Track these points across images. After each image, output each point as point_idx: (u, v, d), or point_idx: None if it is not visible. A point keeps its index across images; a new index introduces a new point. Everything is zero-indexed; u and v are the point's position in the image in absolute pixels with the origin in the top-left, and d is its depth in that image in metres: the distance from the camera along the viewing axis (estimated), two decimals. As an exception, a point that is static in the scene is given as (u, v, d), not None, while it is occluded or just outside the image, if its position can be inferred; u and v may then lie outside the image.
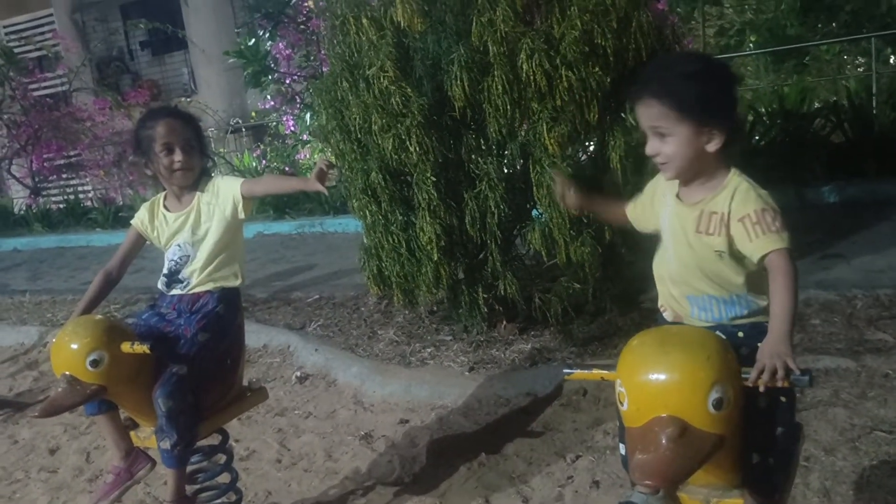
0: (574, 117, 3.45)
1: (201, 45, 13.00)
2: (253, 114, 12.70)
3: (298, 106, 9.46)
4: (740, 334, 1.66)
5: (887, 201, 5.92)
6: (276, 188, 2.83)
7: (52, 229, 11.23)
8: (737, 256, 1.66)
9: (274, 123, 10.93)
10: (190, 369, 2.35)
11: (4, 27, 15.20)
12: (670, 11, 7.63)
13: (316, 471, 3.21)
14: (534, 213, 3.79)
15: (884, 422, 2.80)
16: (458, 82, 3.47)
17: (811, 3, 9.67)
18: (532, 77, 3.39)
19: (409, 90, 3.57)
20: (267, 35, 9.04)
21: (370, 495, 2.98)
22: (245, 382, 2.71)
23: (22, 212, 12.40)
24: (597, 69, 3.40)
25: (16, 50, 12.91)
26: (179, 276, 2.51)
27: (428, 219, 3.63)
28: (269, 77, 9.26)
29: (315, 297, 5.49)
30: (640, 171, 3.47)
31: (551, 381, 3.48)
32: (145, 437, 2.48)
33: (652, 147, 1.71)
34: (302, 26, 8.73)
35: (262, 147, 11.13)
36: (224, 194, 2.50)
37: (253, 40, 9.27)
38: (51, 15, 14.80)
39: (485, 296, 3.88)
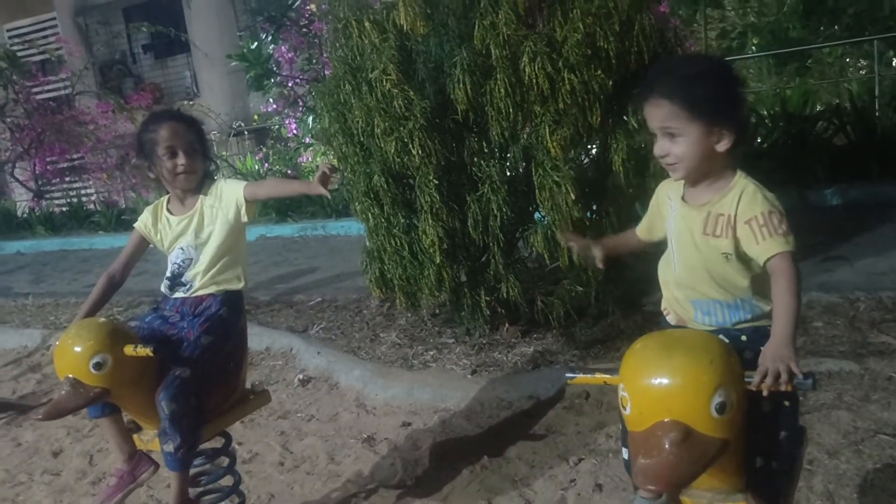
0: (576, 120, 3.45)
1: (204, 48, 13.03)
2: (255, 117, 12.72)
3: (301, 109, 9.48)
4: (744, 338, 1.66)
5: (890, 204, 5.92)
6: (278, 191, 2.83)
7: (55, 232, 11.25)
8: (743, 259, 1.66)
9: (276, 127, 10.95)
10: (193, 372, 2.35)
11: (7, 30, 15.24)
12: (672, 14, 7.64)
13: (318, 473, 3.21)
14: (536, 215, 3.80)
15: (887, 425, 2.80)
16: (461, 85, 3.47)
17: (813, 5, 9.67)
18: (534, 80, 3.39)
19: (411, 93, 3.58)
20: (269, 38, 9.06)
21: (372, 498, 2.97)
22: (248, 385, 2.71)
23: (25, 215, 12.42)
24: (599, 72, 3.41)
25: (19, 53, 12.96)
26: (182, 280, 2.52)
27: (430, 222, 3.63)
28: (272, 80, 9.28)
29: (317, 299, 5.49)
30: (642, 173, 3.48)
31: (554, 383, 3.48)
32: (148, 439, 2.49)
33: (661, 147, 1.70)
34: (304, 29, 8.75)
35: (264, 150, 11.15)
36: (227, 197, 2.50)
37: (255, 43, 9.30)
38: (54, 18, 14.85)
39: (487, 298, 3.88)
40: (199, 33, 13.23)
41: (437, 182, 3.61)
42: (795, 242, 1.60)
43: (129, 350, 2.24)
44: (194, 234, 2.51)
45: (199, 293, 2.49)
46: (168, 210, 2.58)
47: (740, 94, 1.70)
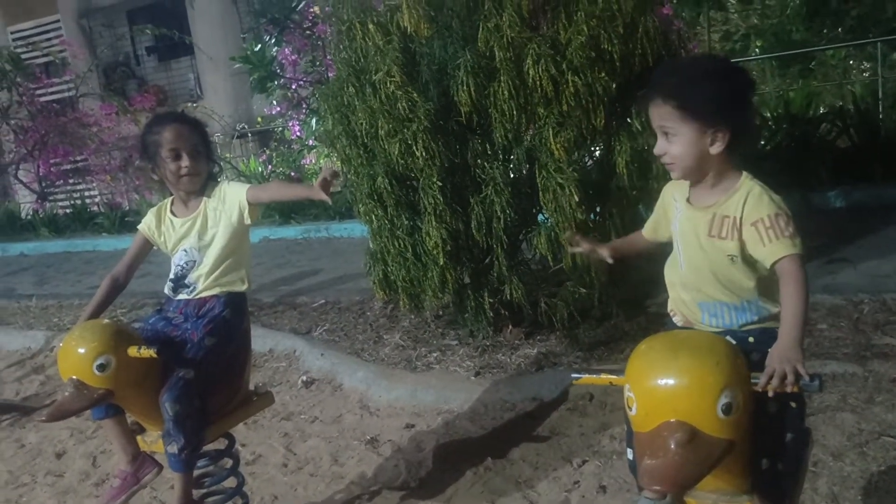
0: (580, 122, 3.46)
1: (207, 50, 13.05)
2: (259, 119, 12.73)
3: (304, 111, 9.48)
4: (751, 339, 1.66)
5: (893, 206, 5.91)
6: (281, 195, 2.83)
7: (58, 234, 11.27)
8: (749, 261, 1.66)
9: (280, 129, 10.95)
10: (197, 374, 2.35)
11: (11, 33, 15.28)
12: (675, 16, 7.64)
13: (322, 475, 3.21)
14: (540, 217, 3.80)
15: (892, 427, 2.79)
16: (465, 87, 3.47)
17: (817, 8, 9.67)
18: (538, 82, 3.39)
19: (415, 95, 3.58)
20: (273, 40, 9.06)
21: (376, 500, 2.97)
22: (251, 387, 2.71)
23: (29, 216, 12.44)
24: (603, 74, 3.41)
25: (23, 56, 12.98)
26: (186, 281, 2.52)
27: (434, 223, 3.63)
28: (275, 82, 9.27)
29: (321, 301, 5.50)
30: (645, 175, 3.48)
31: (557, 385, 3.47)
32: (152, 441, 2.49)
33: (659, 147, 1.73)
34: (308, 32, 8.75)
35: (267, 152, 11.15)
36: (230, 200, 2.50)
37: (259, 46, 9.29)
38: (58, 21, 14.88)
39: (491, 300, 3.88)
40: (202, 36, 13.25)
41: (440, 184, 3.61)
42: (803, 245, 1.60)
43: (132, 351, 2.24)
44: (198, 237, 2.51)
45: (203, 295, 2.49)
46: (171, 212, 2.58)
47: (742, 97, 1.69)
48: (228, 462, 2.66)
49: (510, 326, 4.13)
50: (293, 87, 9.35)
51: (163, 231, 2.58)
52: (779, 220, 1.61)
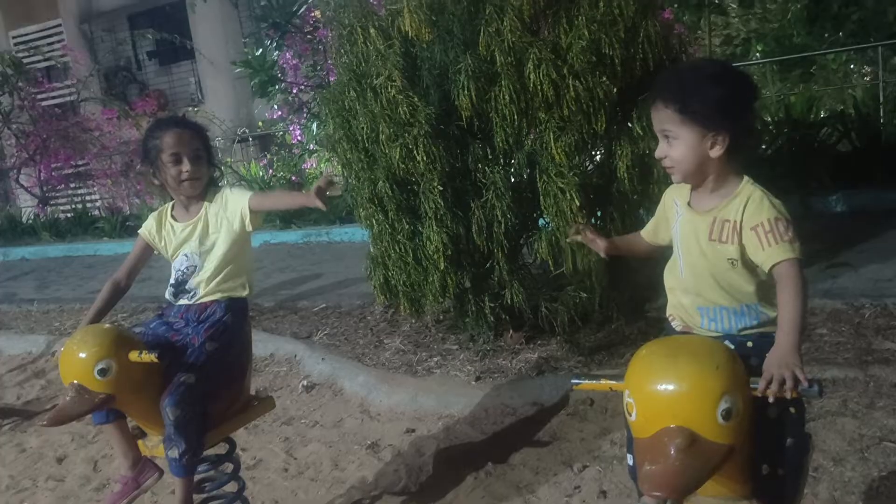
0: (581, 127, 3.46)
1: (208, 55, 13.07)
2: (260, 123, 12.75)
3: (305, 115, 9.49)
4: (749, 344, 1.66)
5: (895, 210, 5.91)
6: (282, 204, 2.84)
7: (59, 238, 11.28)
8: (749, 265, 1.66)
9: (281, 133, 10.97)
10: (198, 378, 2.34)
11: (13, 37, 15.31)
12: (676, 21, 7.65)
13: (322, 480, 3.20)
14: (540, 222, 3.80)
15: (893, 432, 2.79)
16: (466, 92, 3.48)
17: (818, 12, 9.67)
18: (539, 87, 3.40)
19: (416, 99, 3.58)
20: (274, 45, 9.07)
21: (377, 505, 2.97)
22: (252, 391, 2.71)
23: (30, 221, 12.46)
24: (604, 79, 3.41)
25: (24, 60, 13.01)
26: (187, 287, 2.52)
27: (434, 228, 3.63)
28: (276, 87, 9.28)
29: (321, 306, 5.50)
30: (646, 180, 3.48)
31: (558, 390, 3.47)
32: (153, 445, 2.48)
33: (660, 150, 1.75)
34: (309, 36, 8.76)
35: (268, 157, 11.17)
36: (232, 207, 2.50)
37: (260, 50, 9.31)
38: (59, 25, 14.92)
39: (491, 305, 3.88)
40: (203, 40, 13.28)
41: (441, 188, 3.61)
42: (801, 249, 1.60)
43: (133, 356, 2.24)
44: (198, 241, 2.51)
45: (204, 300, 2.49)
46: (172, 216, 2.58)
47: (743, 102, 1.69)
48: (229, 467, 2.66)
49: (511, 331, 4.13)
50: (294, 91, 9.37)
51: (163, 236, 2.58)
52: (778, 224, 1.61)
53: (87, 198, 13.60)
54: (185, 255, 2.53)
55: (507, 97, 3.44)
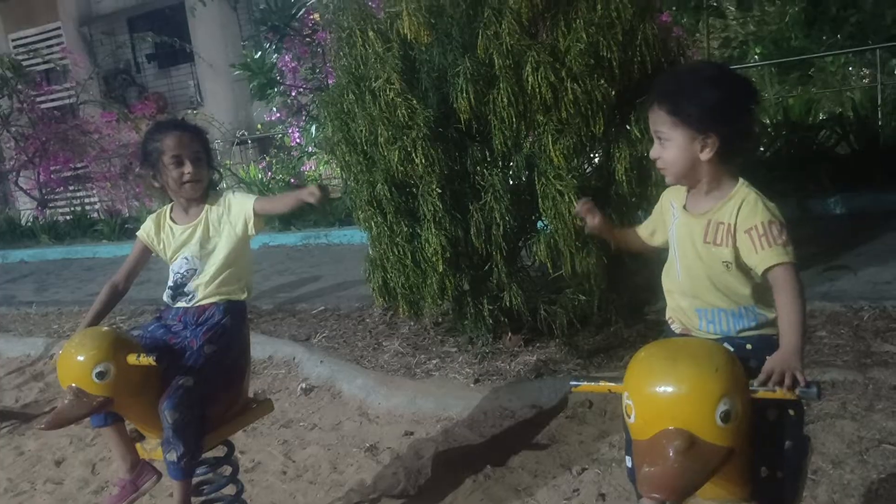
0: (579, 129, 3.46)
1: (207, 57, 13.08)
2: (259, 126, 12.76)
3: (304, 118, 9.50)
4: (748, 346, 1.66)
5: (893, 212, 5.92)
6: (284, 205, 2.84)
7: (58, 241, 11.28)
8: (744, 268, 1.67)
9: (280, 135, 10.98)
10: (196, 381, 2.34)
11: (13, 40, 15.32)
12: (674, 23, 7.66)
13: (321, 483, 3.20)
14: (539, 224, 3.79)
15: (892, 434, 2.79)
16: (464, 94, 3.48)
17: (816, 14, 9.68)
18: (537, 89, 3.40)
19: (414, 102, 3.59)
20: (273, 48, 9.08)
21: (375, 508, 2.97)
22: (250, 394, 2.71)
23: (29, 223, 12.47)
24: (602, 81, 3.41)
25: (24, 63, 13.01)
26: (185, 290, 2.51)
27: (433, 230, 3.63)
28: (275, 89, 9.30)
29: (320, 308, 5.49)
30: (644, 182, 3.49)
31: (557, 392, 3.47)
32: (151, 448, 2.48)
33: (654, 151, 1.76)
34: (308, 39, 8.77)
35: (267, 159, 11.17)
36: (236, 211, 2.50)
37: (259, 53, 9.33)
38: (58, 28, 14.93)
39: (490, 307, 3.88)
40: (202, 43, 13.29)
41: (440, 191, 3.61)
42: (795, 253, 1.60)
43: (132, 359, 2.24)
44: (199, 245, 2.51)
45: (202, 303, 2.49)
46: (171, 219, 2.58)
47: (735, 105, 1.69)
48: (227, 469, 2.65)
49: (509, 333, 4.13)
50: (293, 94, 9.38)
51: (162, 238, 2.58)
52: (772, 227, 1.61)
53: (86, 200, 13.61)
54: (185, 258, 2.53)
55: (505, 100, 3.45)
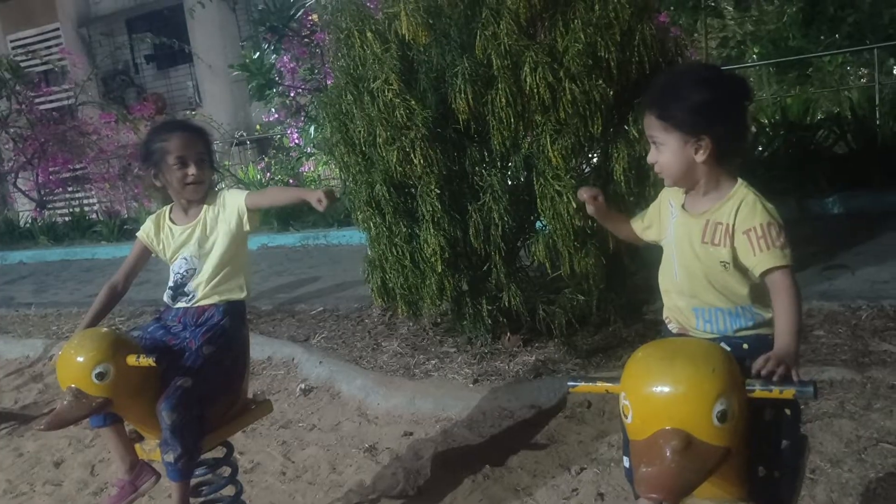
0: (578, 130, 3.47)
1: (206, 58, 13.08)
2: (257, 127, 12.77)
3: (303, 119, 9.50)
4: (745, 346, 1.66)
5: (891, 212, 5.92)
6: (280, 199, 2.83)
7: (57, 242, 11.28)
8: (741, 268, 1.67)
9: (278, 136, 10.99)
10: (195, 382, 2.34)
11: (11, 41, 15.31)
12: (672, 24, 7.67)
13: (320, 483, 3.20)
14: (538, 224, 3.80)
15: (890, 433, 2.79)
16: (462, 95, 3.48)
17: (814, 14, 9.70)
18: (536, 90, 3.40)
19: (413, 103, 3.59)
20: (271, 48, 9.10)
21: (374, 508, 2.97)
22: (249, 395, 2.71)
23: (28, 225, 12.46)
24: (600, 82, 3.42)
25: (22, 64, 13.01)
26: (185, 290, 2.52)
27: (432, 231, 3.64)
28: (274, 90, 9.32)
29: (319, 309, 5.50)
30: (643, 182, 3.49)
31: (555, 393, 3.47)
32: (150, 449, 2.48)
33: (651, 156, 1.77)
34: (306, 40, 8.79)
35: (266, 160, 11.18)
36: (230, 207, 2.51)
37: (257, 54, 9.34)
38: (57, 29, 14.92)
39: (489, 308, 3.88)
40: (201, 44, 13.29)
41: (438, 191, 3.62)
42: (793, 256, 1.61)
43: (131, 360, 2.24)
44: (197, 245, 2.51)
45: (202, 303, 2.49)
46: (171, 220, 2.58)
47: (726, 106, 1.68)
48: (227, 470, 2.66)
49: (508, 334, 4.14)
50: (292, 94, 9.39)
51: (161, 239, 2.58)
52: (770, 229, 1.62)
53: (85, 201, 13.60)
54: (184, 259, 2.53)
55: (503, 100, 3.45)
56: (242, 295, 2.56)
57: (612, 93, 3.46)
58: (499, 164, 3.75)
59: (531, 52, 3.41)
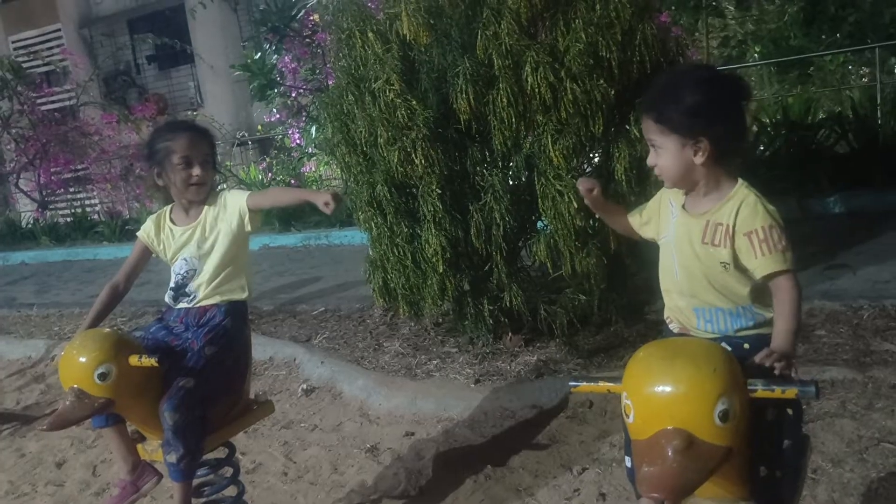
0: (579, 129, 3.47)
1: (208, 59, 13.10)
2: (259, 127, 12.77)
3: (304, 119, 9.51)
4: (746, 346, 1.66)
5: (893, 211, 5.92)
6: (283, 200, 2.83)
7: (59, 243, 11.29)
8: (741, 269, 1.67)
9: (280, 136, 10.99)
10: (197, 382, 2.34)
11: (13, 42, 15.33)
12: (673, 23, 7.67)
13: (322, 484, 3.21)
14: (539, 224, 3.80)
15: (891, 433, 2.79)
16: (464, 95, 3.48)
17: (815, 13, 9.69)
18: (537, 90, 3.41)
19: (414, 103, 3.59)
20: (273, 49, 9.10)
21: (376, 508, 2.97)
22: (251, 395, 2.71)
23: (29, 225, 12.47)
24: (601, 82, 3.42)
25: (24, 65, 13.03)
26: (186, 290, 2.52)
27: (433, 231, 3.64)
28: (275, 90, 9.32)
29: (321, 309, 5.50)
30: (644, 182, 3.49)
31: (557, 393, 3.47)
32: (152, 450, 2.48)
33: (650, 159, 1.77)
34: (308, 40, 8.79)
35: (267, 160, 11.18)
36: (231, 207, 2.50)
37: (259, 54, 9.34)
38: (59, 30, 14.94)
39: (490, 308, 3.88)
40: (203, 44, 13.30)
41: (439, 191, 3.62)
42: (794, 258, 1.61)
43: (133, 360, 2.24)
44: (197, 245, 2.51)
45: (203, 304, 2.49)
46: (171, 220, 2.58)
47: (723, 107, 1.68)
48: (228, 471, 2.66)
49: (510, 334, 4.14)
50: (293, 95, 9.39)
51: (162, 239, 2.58)
52: (772, 232, 1.62)
53: (87, 202, 13.62)
54: (185, 260, 2.53)
55: (504, 100, 3.45)
56: (244, 295, 2.56)
57: (613, 92, 3.46)
58: (500, 163, 3.75)
59: (532, 51, 3.41)
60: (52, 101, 13.62)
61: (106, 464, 3.62)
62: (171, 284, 2.55)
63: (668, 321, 1.84)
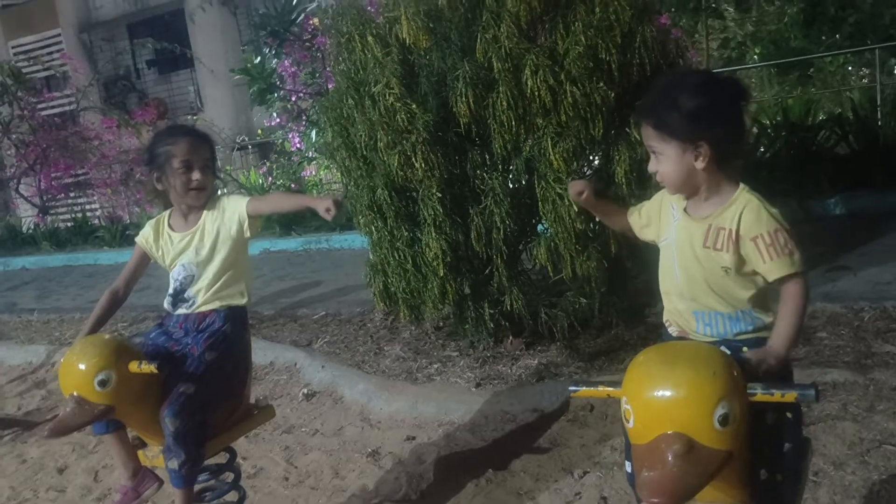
0: (579, 132, 3.47)
1: (207, 63, 13.12)
2: (259, 131, 12.78)
3: (304, 123, 9.52)
4: (745, 349, 1.66)
5: (893, 213, 5.92)
6: (283, 206, 2.83)
7: (59, 248, 11.30)
8: (743, 273, 1.67)
9: (280, 140, 11.00)
10: (197, 388, 2.34)
11: (12, 47, 15.36)
12: (673, 25, 7.67)
13: (323, 488, 3.20)
14: (539, 228, 3.80)
15: (893, 435, 2.79)
16: (463, 98, 3.48)
17: (814, 15, 9.70)
18: (537, 93, 3.41)
19: (414, 107, 3.59)
20: (273, 53, 9.11)
21: (377, 513, 2.97)
22: (252, 400, 2.71)
23: (30, 230, 12.48)
24: (601, 84, 3.42)
25: (24, 70, 13.05)
26: (184, 296, 2.51)
27: (434, 234, 3.64)
28: (275, 94, 9.33)
29: (321, 313, 5.50)
30: (644, 185, 3.48)
31: (558, 396, 3.47)
32: (153, 455, 2.48)
33: (651, 166, 1.77)
34: (307, 44, 8.80)
35: (267, 164, 11.19)
36: (230, 213, 2.50)
37: (259, 58, 9.35)
38: (58, 35, 14.97)
39: (491, 311, 3.88)
40: (202, 48, 13.32)
41: (440, 195, 3.62)
42: (803, 260, 1.61)
43: (133, 367, 2.24)
44: (195, 251, 2.50)
45: (203, 309, 2.48)
46: (170, 226, 2.57)
47: (721, 110, 1.67)
48: (230, 476, 2.66)
49: (510, 337, 4.13)
50: (293, 99, 9.40)
51: (161, 245, 2.57)
52: (778, 236, 1.62)
53: (87, 207, 13.63)
54: (183, 266, 2.52)
55: (504, 103, 3.45)
56: (243, 300, 2.56)
57: (613, 95, 3.46)
58: (500, 167, 3.75)
59: (532, 54, 3.41)
60: (53, 106, 13.64)
61: (107, 469, 3.62)
62: (170, 290, 2.54)
63: (667, 324, 1.84)
